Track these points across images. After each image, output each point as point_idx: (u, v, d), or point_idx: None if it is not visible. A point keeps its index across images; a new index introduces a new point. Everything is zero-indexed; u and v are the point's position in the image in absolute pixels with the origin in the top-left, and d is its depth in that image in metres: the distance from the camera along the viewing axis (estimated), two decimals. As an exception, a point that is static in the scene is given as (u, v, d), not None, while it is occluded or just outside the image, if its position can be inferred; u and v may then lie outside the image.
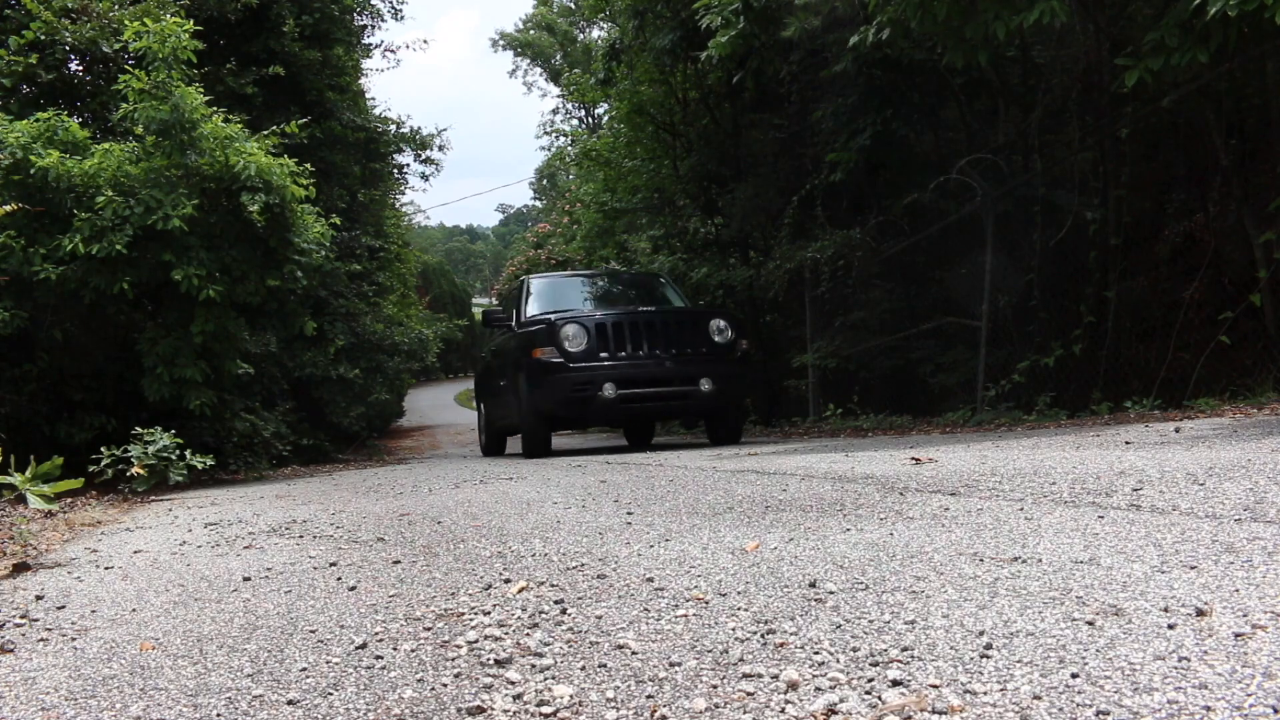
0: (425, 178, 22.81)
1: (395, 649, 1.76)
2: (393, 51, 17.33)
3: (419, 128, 14.18)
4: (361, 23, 13.31)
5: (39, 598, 2.56)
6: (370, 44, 13.90)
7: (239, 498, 5.40)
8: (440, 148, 14.58)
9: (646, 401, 7.48)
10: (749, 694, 1.38)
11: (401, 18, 22.66)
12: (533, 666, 1.59)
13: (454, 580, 2.31)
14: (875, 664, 1.44)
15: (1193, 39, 5.42)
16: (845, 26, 7.71)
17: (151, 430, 6.55)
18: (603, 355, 7.41)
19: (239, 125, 7.30)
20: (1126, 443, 4.16)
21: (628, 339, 7.47)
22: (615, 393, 7.24)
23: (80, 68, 8.89)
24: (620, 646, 1.65)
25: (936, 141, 9.53)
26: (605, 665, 1.56)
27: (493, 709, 1.42)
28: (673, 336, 7.59)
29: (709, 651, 1.58)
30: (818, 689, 1.36)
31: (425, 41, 25.05)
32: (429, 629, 1.88)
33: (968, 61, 6.76)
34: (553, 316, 7.75)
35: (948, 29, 6.27)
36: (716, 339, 7.67)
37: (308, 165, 7.81)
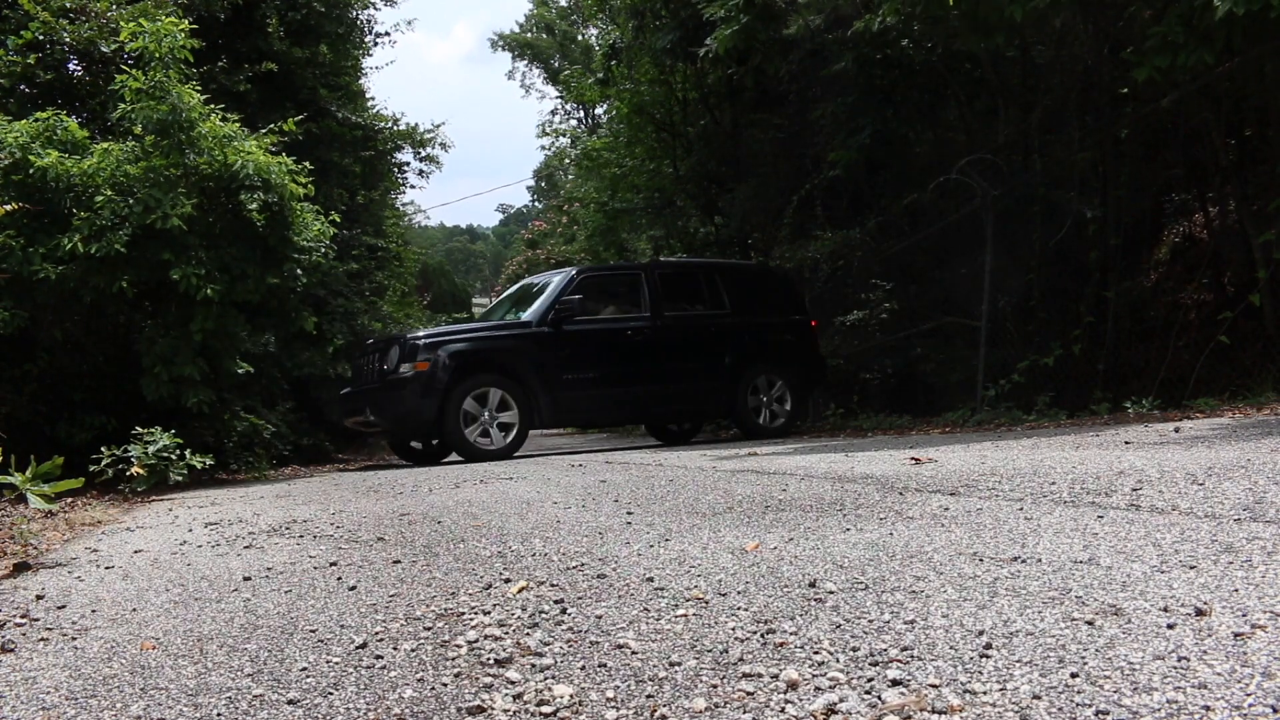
0: (423, 174, 22.68)
1: (395, 649, 1.76)
2: (386, 35, 17.13)
3: (416, 124, 14.16)
4: (353, 14, 13.19)
5: (39, 597, 2.56)
6: (363, 30, 13.70)
7: (239, 498, 5.40)
8: (441, 144, 14.55)
9: None
10: (749, 694, 1.38)
11: (395, 4, 22.37)
12: (533, 666, 1.60)
13: (454, 580, 2.31)
14: (875, 664, 1.44)
15: (1196, 38, 5.41)
16: (847, 25, 7.70)
17: (151, 430, 6.55)
18: None
19: (236, 124, 7.30)
20: (1126, 443, 4.16)
21: None
22: None
23: (79, 68, 8.88)
24: (620, 646, 1.65)
25: (936, 141, 9.53)
26: (605, 665, 1.57)
27: (493, 709, 1.42)
28: None
29: (709, 651, 1.58)
30: (817, 689, 1.37)
31: (410, 21, 24.76)
32: (429, 629, 1.88)
33: (983, 47, 6.69)
34: None
35: (959, 14, 6.18)
36: None
37: (306, 164, 7.80)
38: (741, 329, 8.40)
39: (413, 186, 44.25)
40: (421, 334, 7.63)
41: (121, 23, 7.43)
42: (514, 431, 7.30)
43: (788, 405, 8.47)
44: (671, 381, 8.05)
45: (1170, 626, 1.47)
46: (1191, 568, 1.81)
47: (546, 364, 7.49)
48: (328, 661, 1.72)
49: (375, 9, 13.41)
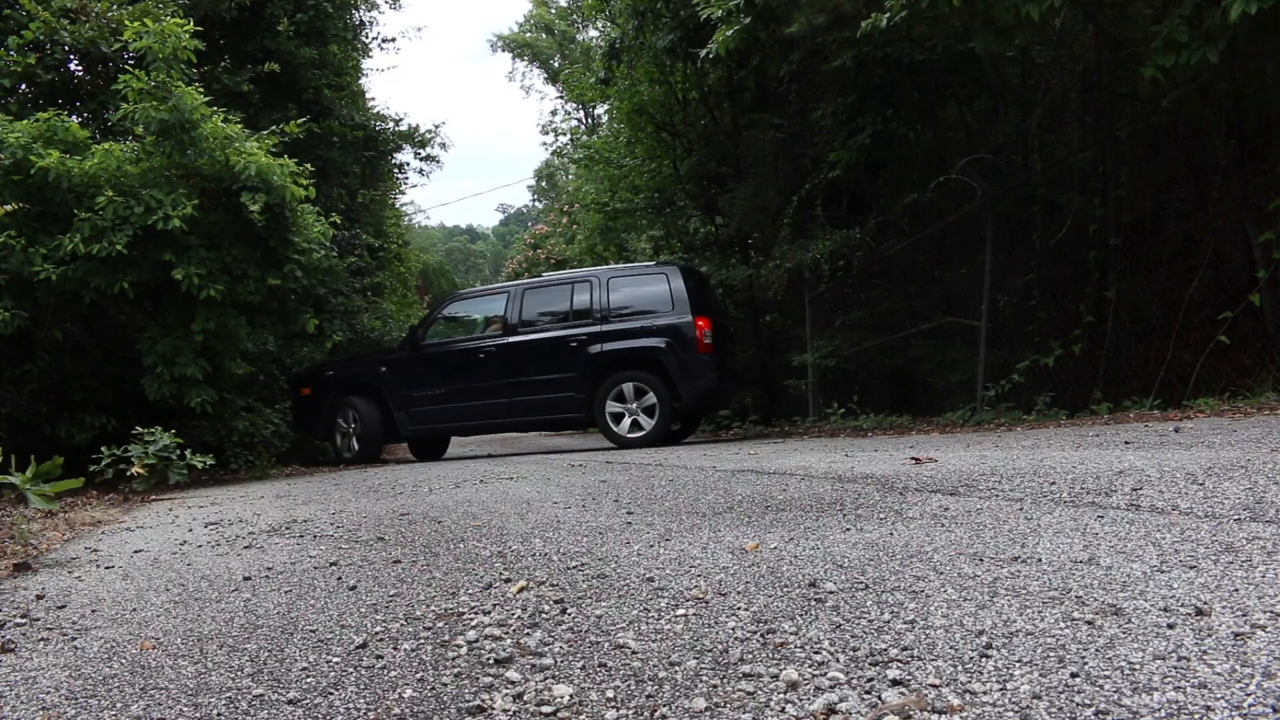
0: (423, 173, 22.64)
1: (395, 649, 1.76)
2: (390, 41, 17.17)
3: (417, 125, 14.17)
4: (358, 18, 13.26)
5: (40, 597, 2.56)
6: (368, 39, 13.82)
7: (239, 497, 5.40)
8: (441, 144, 14.56)
9: None
10: (749, 694, 1.38)
11: (399, 6, 22.46)
12: (533, 666, 1.60)
13: (454, 580, 2.31)
14: (875, 664, 1.44)
15: (1201, 38, 5.40)
16: (849, 24, 7.68)
17: (152, 430, 6.56)
18: None
19: (238, 124, 7.30)
20: (1126, 443, 4.16)
21: None
22: None
23: (80, 68, 8.89)
24: (620, 646, 1.65)
25: (936, 141, 9.53)
26: (605, 665, 1.57)
27: (493, 709, 1.43)
28: None
29: (709, 651, 1.58)
30: (818, 689, 1.37)
31: (419, 29, 24.98)
32: (429, 629, 1.88)
33: (1000, 49, 6.60)
34: None
35: (972, 12, 6.10)
36: None
37: (308, 165, 7.81)
38: (606, 337, 8.17)
39: (413, 185, 44.29)
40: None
41: (125, 22, 7.43)
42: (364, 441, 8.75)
43: (654, 414, 7.97)
44: (520, 394, 8.33)
45: (1170, 626, 1.47)
46: (1191, 568, 1.81)
47: (405, 383, 8.59)
48: (328, 661, 1.72)
49: (379, 11, 13.43)
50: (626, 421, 8.02)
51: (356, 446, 8.72)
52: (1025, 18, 5.84)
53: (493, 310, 8.87)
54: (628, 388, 8.05)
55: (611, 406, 8.04)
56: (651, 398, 7.96)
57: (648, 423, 7.98)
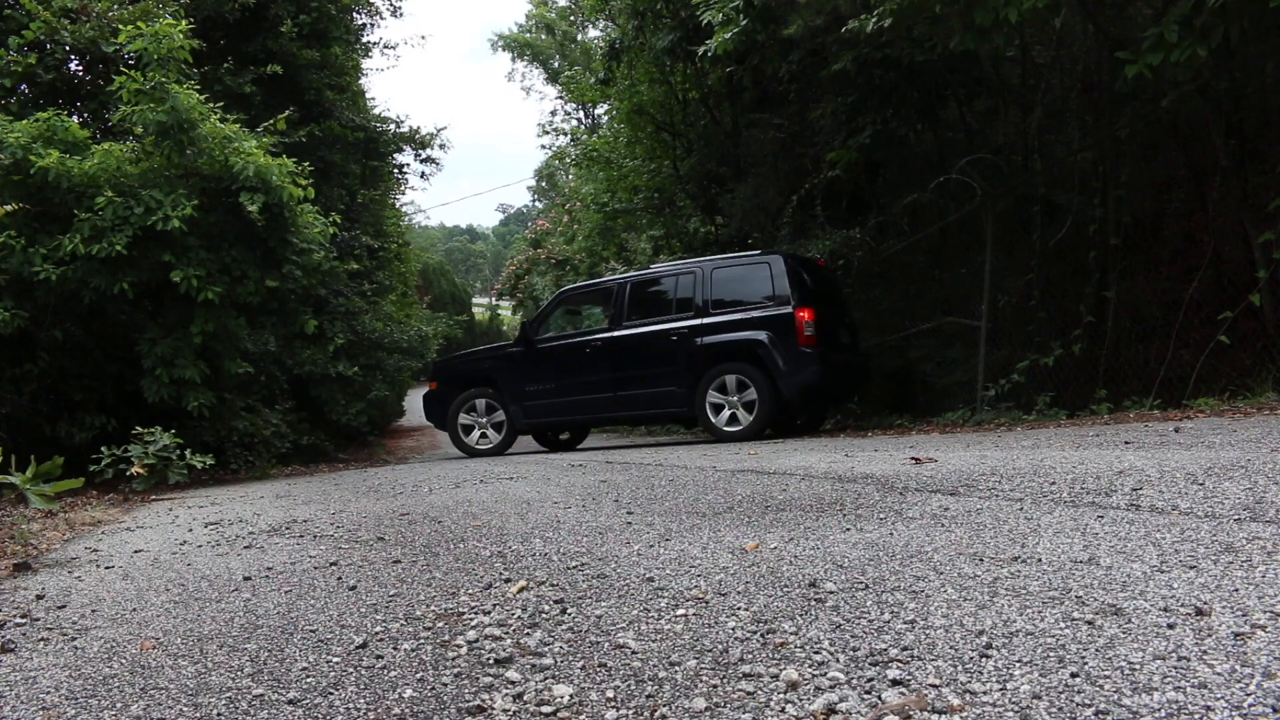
0: (424, 176, 22.76)
1: (395, 648, 1.76)
2: (391, 48, 17.51)
3: (418, 127, 14.16)
4: (360, 21, 13.31)
5: (40, 597, 2.56)
6: (369, 42, 13.87)
7: (239, 497, 5.40)
8: (441, 146, 14.56)
9: None
10: (749, 694, 1.38)
11: (400, 14, 22.63)
12: (533, 666, 1.60)
13: (454, 580, 2.31)
14: (875, 664, 1.44)
15: (1193, 35, 5.41)
16: (847, 26, 7.69)
17: (151, 430, 6.56)
18: None
19: (236, 124, 7.30)
20: (1126, 443, 4.16)
21: None
22: None
23: (80, 68, 8.89)
24: (620, 646, 1.65)
25: (936, 141, 9.53)
26: (605, 665, 1.57)
27: (493, 708, 1.43)
28: None
29: (709, 651, 1.58)
30: (818, 688, 1.37)
31: (423, 38, 25.09)
32: (429, 629, 1.88)
33: (978, 47, 6.59)
34: None
35: (954, 14, 6.10)
36: None
37: (307, 164, 7.81)
38: (708, 330, 8.03)
39: (413, 188, 44.42)
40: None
41: (120, 24, 7.44)
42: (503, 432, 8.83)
43: (754, 408, 7.75)
44: (625, 388, 8.33)
45: (1170, 626, 1.47)
46: (1191, 568, 1.81)
47: (519, 377, 8.69)
48: (328, 661, 1.72)
49: (381, 18, 13.48)
50: (725, 414, 7.85)
51: (492, 439, 8.86)
52: (1004, 20, 5.84)
53: (600, 305, 8.98)
54: (729, 380, 7.89)
55: (712, 399, 7.92)
56: (751, 391, 7.78)
57: (746, 417, 7.79)
